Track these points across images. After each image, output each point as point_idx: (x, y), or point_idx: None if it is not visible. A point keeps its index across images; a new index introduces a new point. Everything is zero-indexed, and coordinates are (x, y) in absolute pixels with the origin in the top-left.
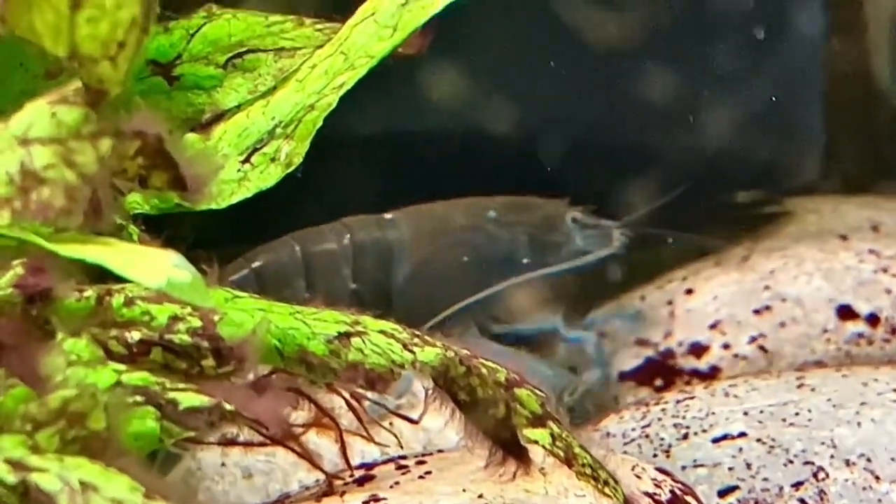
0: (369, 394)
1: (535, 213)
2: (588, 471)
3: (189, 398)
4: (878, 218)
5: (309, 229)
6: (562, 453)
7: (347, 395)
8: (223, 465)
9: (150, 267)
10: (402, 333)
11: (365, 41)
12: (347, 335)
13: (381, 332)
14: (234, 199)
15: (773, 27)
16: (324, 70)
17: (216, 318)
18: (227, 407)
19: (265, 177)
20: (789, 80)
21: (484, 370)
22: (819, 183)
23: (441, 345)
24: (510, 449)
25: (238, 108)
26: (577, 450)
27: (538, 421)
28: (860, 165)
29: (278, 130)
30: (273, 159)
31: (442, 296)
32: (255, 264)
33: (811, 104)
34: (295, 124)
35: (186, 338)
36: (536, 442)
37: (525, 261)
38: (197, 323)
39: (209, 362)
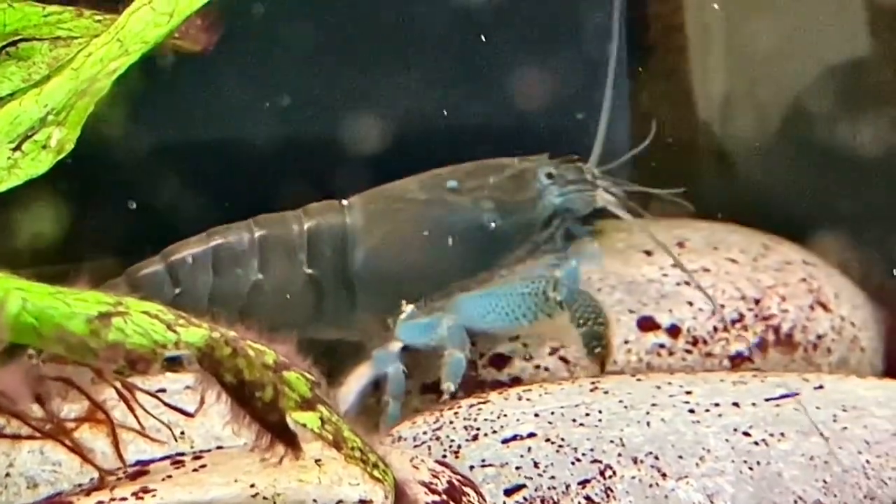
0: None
1: (500, 174)
2: (357, 454)
3: None
4: (685, 235)
5: (271, 214)
6: (331, 436)
7: (119, 386)
8: (7, 475)
9: None
10: (166, 314)
11: (141, 28)
12: (108, 315)
13: (145, 312)
14: (5, 188)
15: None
16: (99, 58)
17: None
18: None
19: (36, 164)
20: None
21: (251, 352)
22: None
23: (207, 326)
24: (278, 432)
25: (11, 96)
26: (346, 433)
27: (307, 404)
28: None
29: (50, 118)
30: (44, 146)
31: (405, 273)
32: (213, 243)
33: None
34: (67, 111)
35: None
36: (305, 425)
37: (493, 225)
38: None
39: None
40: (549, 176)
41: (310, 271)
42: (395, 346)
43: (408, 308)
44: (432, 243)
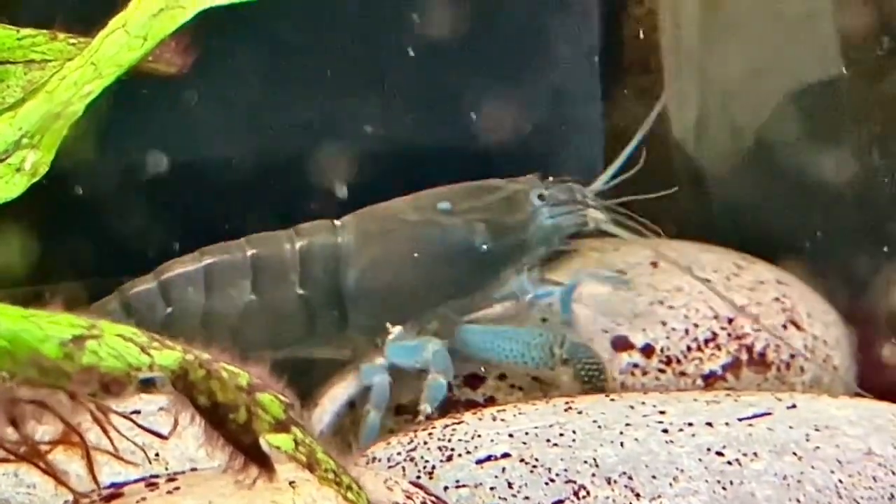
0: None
1: (492, 195)
2: (331, 476)
3: None
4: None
5: (264, 233)
6: (304, 458)
7: (94, 408)
8: None
9: None
10: (140, 337)
11: (115, 51)
12: (82, 338)
13: (119, 335)
14: None
15: None
16: (73, 81)
17: None
18: None
19: (10, 187)
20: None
21: (225, 374)
22: None
23: (181, 348)
24: (252, 454)
25: None
26: (320, 455)
27: (281, 426)
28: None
29: (24, 140)
30: (18, 169)
31: (396, 295)
32: (206, 261)
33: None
34: (41, 134)
35: None
36: (278, 447)
37: (484, 247)
38: None
39: None
40: (541, 197)
41: (301, 291)
42: (381, 360)
43: (395, 329)
44: (423, 264)
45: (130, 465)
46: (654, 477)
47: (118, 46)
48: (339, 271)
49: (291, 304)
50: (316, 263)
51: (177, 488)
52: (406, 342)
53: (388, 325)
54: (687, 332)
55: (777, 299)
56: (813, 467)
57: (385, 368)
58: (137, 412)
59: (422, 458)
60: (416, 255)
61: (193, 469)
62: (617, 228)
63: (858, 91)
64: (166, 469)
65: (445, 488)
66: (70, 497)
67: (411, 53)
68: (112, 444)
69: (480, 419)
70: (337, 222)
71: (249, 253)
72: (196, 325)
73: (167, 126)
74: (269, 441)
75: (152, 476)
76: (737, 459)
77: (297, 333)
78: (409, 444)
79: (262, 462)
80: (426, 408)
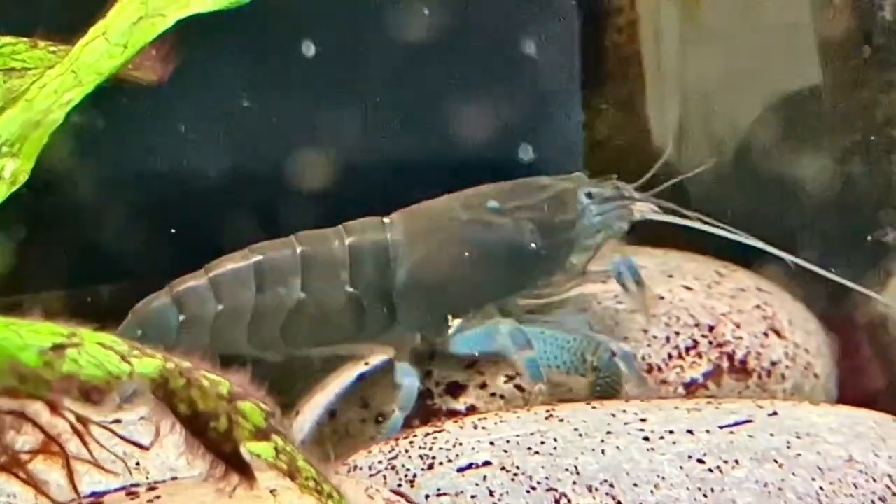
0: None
1: (541, 194)
2: (311, 484)
3: None
4: (642, 263)
5: (314, 230)
6: (285, 466)
7: (73, 420)
8: None
9: None
10: (120, 345)
11: (95, 59)
12: (62, 346)
13: (99, 343)
14: None
15: None
16: (53, 89)
17: None
18: None
19: None
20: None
21: (205, 382)
22: None
23: (161, 356)
24: (232, 463)
25: None
26: (300, 463)
27: (262, 434)
28: None
29: (4, 149)
30: None
31: (446, 294)
32: (255, 258)
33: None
34: (21, 142)
35: None
36: (259, 455)
37: (533, 246)
38: None
39: None
40: (589, 195)
41: (350, 290)
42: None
43: (455, 322)
44: (473, 263)
45: (111, 475)
46: (635, 485)
47: (98, 54)
48: (389, 269)
49: (341, 301)
50: (366, 261)
51: (157, 497)
52: (474, 330)
53: (450, 317)
54: (668, 339)
55: (758, 307)
56: (794, 474)
57: (416, 371)
58: (119, 421)
59: (403, 466)
60: (466, 253)
61: (174, 478)
62: (668, 216)
63: (836, 99)
64: (147, 478)
65: (427, 496)
66: None
67: (386, 60)
68: (90, 454)
69: (462, 427)
70: (386, 220)
71: (299, 250)
72: (246, 322)
73: (136, 134)
74: (250, 449)
75: (133, 485)
76: (718, 467)
77: (347, 331)
78: (390, 452)
79: (243, 470)
80: (538, 388)
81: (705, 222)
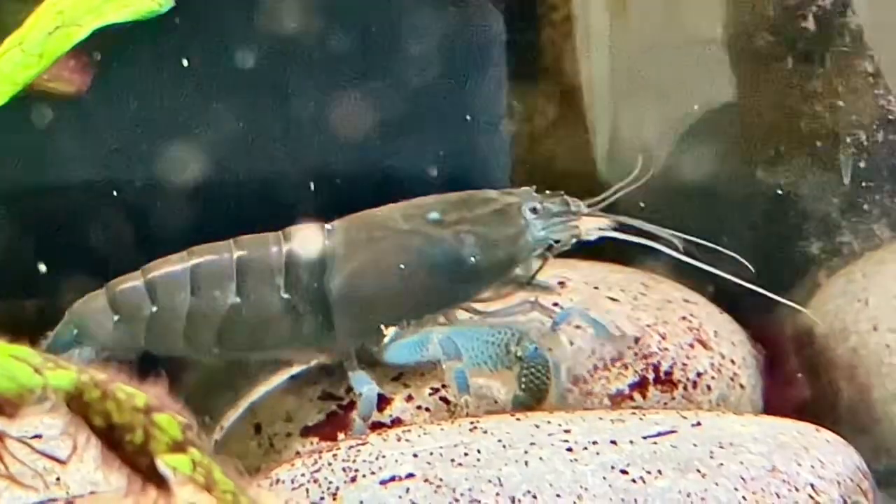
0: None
1: (485, 207)
2: (229, 497)
3: None
4: (564, 274)
5: (253, 235)
6: (202, 479)
7: None
8: None
9: None
10: (34, 357)
11: (11, 69)
12: None
13: (12, 355)
14: None
15: None
16: None
17: None
18: None
19: None
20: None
21: (121, 394)
22: None
23: (76, 369)
24: (149, 476)
25: None
26: (217, 476)
27: (178, 447)
28: None
29: None
30: None
31: (378, 304)
32: (193, 261)
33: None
34: None
35: None
36: (176, 468)
37: (472, 259)
38: None
39: None
40: (534, 211)
41: (286, 296)
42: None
43: (389, 331)
44: (408, 273)
45: (30, 490)
46: (558, 496)
47: (13, 64)
48: (325, 276)
49: (276, 307)
50: (302, 267)
51: None
52: (406, 339)
53: (383, 326)
54: (593, 351)
55: (684, 318)
56: (717, 484)
57: (372, 378)
58: (39, 436)
59: (325, 479)
60: (401, 264)
61: (93, 492)
62: (622, 235)
63: (761, 110)
64: (67, 493)
65: None
66: None
67: (304, 64)
68: (6, 468)
69: (385, 440)
70: (328, 226)
71: (236, 255)
72: (182, 324)
73: (74, 143)
74: (167, 462)
75: (51, 500)
76: (641, 477)
77: (282, 337)
78: (313, 465)
79: (160, 483)
80: (464, 399)
81: (675, 237)
